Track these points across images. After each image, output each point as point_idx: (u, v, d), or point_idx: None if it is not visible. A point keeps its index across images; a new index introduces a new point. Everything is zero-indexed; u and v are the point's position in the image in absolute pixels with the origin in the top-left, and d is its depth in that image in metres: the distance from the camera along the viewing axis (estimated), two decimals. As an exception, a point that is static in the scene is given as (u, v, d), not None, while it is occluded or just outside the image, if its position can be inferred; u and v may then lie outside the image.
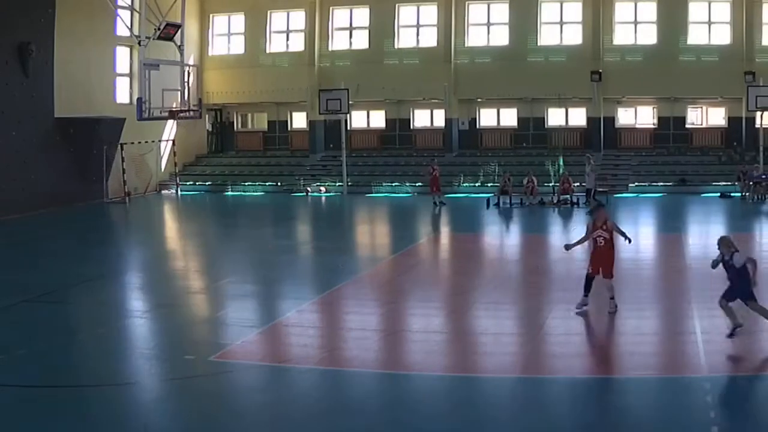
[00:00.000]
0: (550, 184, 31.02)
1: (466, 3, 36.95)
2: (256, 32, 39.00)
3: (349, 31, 38.60)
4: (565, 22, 36.08)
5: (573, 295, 15.25)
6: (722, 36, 34.43)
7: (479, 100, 37.70)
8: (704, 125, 36.24)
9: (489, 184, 33.00)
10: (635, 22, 35.38)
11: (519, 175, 30.91)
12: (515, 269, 19.35)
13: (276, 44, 39.36)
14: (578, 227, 25.95)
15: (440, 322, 14.18)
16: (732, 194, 30.49)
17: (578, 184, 30.23)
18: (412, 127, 39.09)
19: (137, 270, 19.79)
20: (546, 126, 37.22)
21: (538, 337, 12.68)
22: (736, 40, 33.86)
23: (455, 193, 32.82)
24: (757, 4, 33.62)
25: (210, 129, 41.26)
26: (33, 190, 28.93)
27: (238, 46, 39.80)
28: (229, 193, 36.39)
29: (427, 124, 39.21)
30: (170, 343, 12.97)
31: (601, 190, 30.89)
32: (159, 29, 26.65)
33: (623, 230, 13.88)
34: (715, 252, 12.56)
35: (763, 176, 29.83)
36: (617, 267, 14.22)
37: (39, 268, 18.99)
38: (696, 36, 34.67)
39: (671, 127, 36.16)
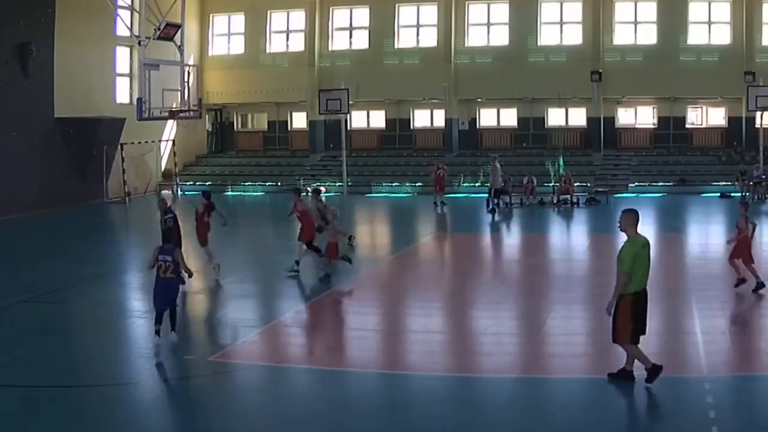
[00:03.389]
0: (550, 184, 31.01)
1: (466, 3, 36.96)
2: (256, 32, 39.01)
3: (349, 31, 38.61)
4: (565, 22, 36.09)
5: (574, 295, 15.28)
6: (722, 36, 34.43)
7: (479, 100, 37.70)
8: (704, 125, 36.24)
9: (489, 184, 32.95)
10: (635, 22, 35.39)
11: (519, 176, 30.92)
12: (515, 269, 19.36)
13: (276, 44, 39.37)
14: (578, 227, 26.01)
15: (440, 322, 14.19)
16: (732, 194, 30.49)
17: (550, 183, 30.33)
18: (412, 127, 39.10)
19: (137, 270, 19.73)
20: (546, 126, 37.23)
21: (538, 337, 12.68)
22: (736, 40, 33.86)
23: (455, 193, 32.81)
24: (757, 4, 33.63)
25: (210, 129, 41.27)
26: (33, 190, 28.92)
27: (238, 46, 39.81)
28: (229, 193, 36.36)
29: (427, 124, 39.22)
30: (170, 343, 12.96)
31: (600, 190, 30.94)
32: (159, 29, 26.60)
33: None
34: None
35: (763, 176, 29.83)
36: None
37: (39, 268, 18.99)
38: (696, 36, 34.68)
39: (671, 127, 36.17)
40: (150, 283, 16.67)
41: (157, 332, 12.08)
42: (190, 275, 12.95)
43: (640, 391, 9.90)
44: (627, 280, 9.56)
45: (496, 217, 27.11)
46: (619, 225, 10.02)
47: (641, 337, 9.80)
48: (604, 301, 13.95)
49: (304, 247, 17.51)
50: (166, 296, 12.06)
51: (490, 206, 28.12)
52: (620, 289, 9.61)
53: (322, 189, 22.14)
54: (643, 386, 10.00)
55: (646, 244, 9.83)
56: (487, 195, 30.22)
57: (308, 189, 35.35)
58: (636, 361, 9.88)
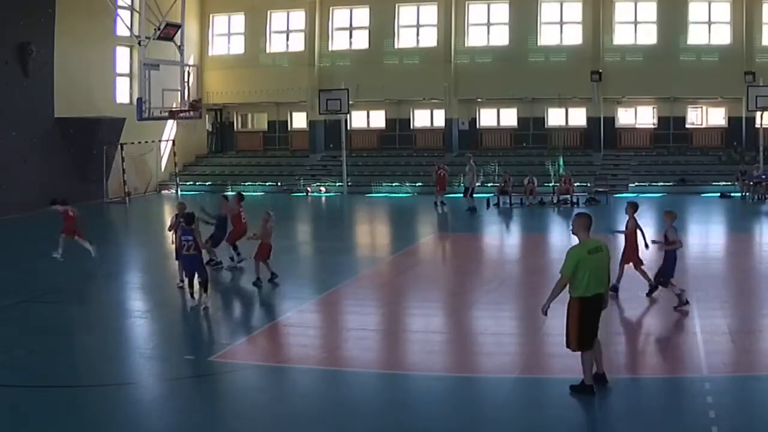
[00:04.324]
0: (550, 184, 31.02)
1: (466, 3, 36.96)
2: (256, 32, 39.03)
3: (349, 31, 38.62)
4: (565, 22, 36.10)
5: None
6: (722, 36, 34.44)
7: (479, 100, 37.71)
8: (704, 125, 36.25)
9: (489, 184, 32.99)
10: (635, 22, 35.39)
11: (519, 176, 30.92)
12: (515, 269, 19.35)
13: (276, 44, 39.38)
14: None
15: (440, 322, 14.19)
16: (732, 194, 30.49)
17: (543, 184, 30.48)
18: (412, 127, 39.11)
19: (137, 270, 19.79)
20: (546, 126, 37.24)
21: (538, 337, 12.68)
22: (736, 40, 33.87)
23: (455, 193, 32.77)
24: (757, 4, 33.63)
25: (210, 129, 41.27)
26: (33, 190, 28.91)
27: (238, 46, 39.82)
28: (229, 193, 36.27)
29: (427, 124, 39.23)
30: (170, 343, 12.98)
31: (600, 190, 30.94)
32: (159, 29, 26.62)
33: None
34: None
35: (763, 176, 29.83)
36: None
37: (39, 268, 18.98)
38: (696, 36, 34.68)
39: (671, 127, 36.18)
40: (150, 282, 16.77)
41: (192, 294, 14.64)
42: (200, 251, 14.74)
43: (640, 391, 9.91)
44: (564, 283, 9.47)
45: (471, 214, 27.50)
46: (571, 228, 9.97)
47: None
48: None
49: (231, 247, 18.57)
50: (192, 269, 14.54)
51: (490, 204, 28.14)
52: (555, 291, 9.55)
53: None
54: (643, 386, 10.01)
55: (596, 249, 9.62)
56: (489, 195, 30.31)
57: (308, 189, 35.51)
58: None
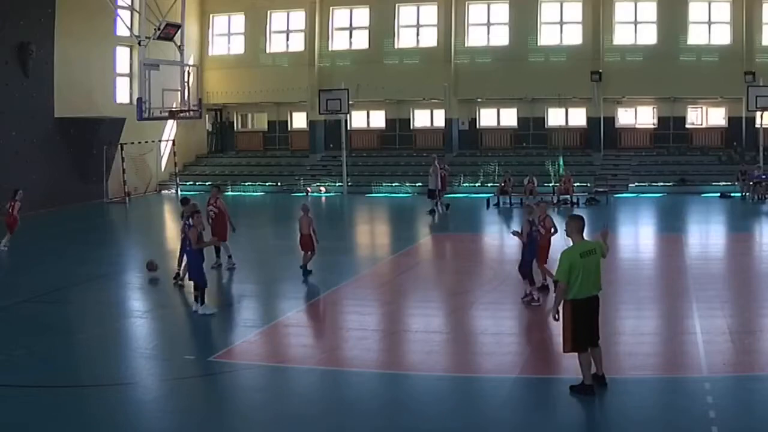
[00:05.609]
0: (550, 184, 31.02)
1: (466, 3, 36.96)
2: (256, 32, 39.03)
3: (349, 31, 38.62)
4: (565, 22, 36.09)
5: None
6: (722, 36, 34.43)
7: (479, 100, 37.70)
8: (704, 125, 36.25)
9: (489, 184, 33.01)
10: (635, 22, 35.38)
11: (519, 175, 30.92)
12: (515, 269, 19.30)
13: (276, 44, 39.38)
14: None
15: (440, 322, 14.19)
16: (732, 194, 30.49)
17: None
18: (412, 127, 39.12)
19: (137, 270, 19.75)
20: (546, 126, 37.24)
21: (538, 337, 12.68)
22: (736, 40, 33.87)
23: (455, 193, 32.80)
24: (757, 4, 33.62)
25: (210, 129, 41.28)
26: (33, 190, 28.83)
27: (238, 46, 39.82)
28: (229, 193, 36.29)
29: (427, 124, 39.24)
30: (170, 343, 12.98)
31: (600, 190, 30.95)
32: (159, 29, 26.61)
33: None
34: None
35: (763, 176, 29.83)
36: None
37: (39, 268, 19.00)
38: (696, 36, 34.67)
39: (671, 127, 36.18)
40: (150, 282, 16.76)
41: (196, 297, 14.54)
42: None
43: (640, 391, 9.91)
44: (563, 287, 9.49)
45: (436, 219, 27.21)
46: (565, 231, 10.00)
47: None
48: (604, 300, 14.01)
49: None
50: (189, 266, 14.63)
51: (490, 204, 28.04)
52: (558, 297, 9.62)
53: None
54: (643, 386, 10.01)
55: (589, 251, 9.62)
56: (489, 195, 30.29)
57: (308, 189, 35.51)
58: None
